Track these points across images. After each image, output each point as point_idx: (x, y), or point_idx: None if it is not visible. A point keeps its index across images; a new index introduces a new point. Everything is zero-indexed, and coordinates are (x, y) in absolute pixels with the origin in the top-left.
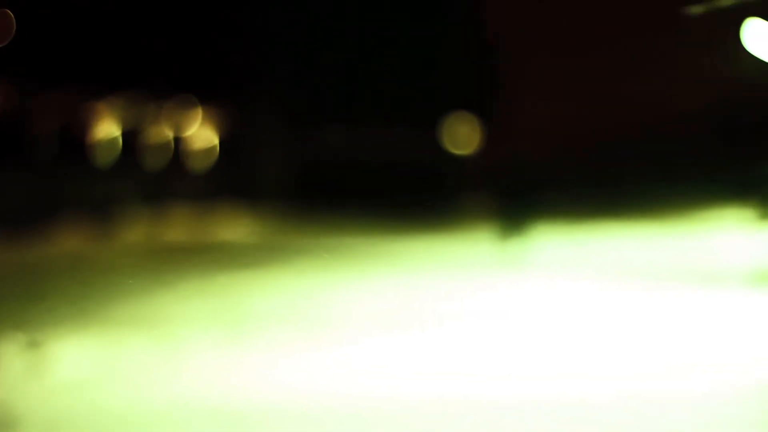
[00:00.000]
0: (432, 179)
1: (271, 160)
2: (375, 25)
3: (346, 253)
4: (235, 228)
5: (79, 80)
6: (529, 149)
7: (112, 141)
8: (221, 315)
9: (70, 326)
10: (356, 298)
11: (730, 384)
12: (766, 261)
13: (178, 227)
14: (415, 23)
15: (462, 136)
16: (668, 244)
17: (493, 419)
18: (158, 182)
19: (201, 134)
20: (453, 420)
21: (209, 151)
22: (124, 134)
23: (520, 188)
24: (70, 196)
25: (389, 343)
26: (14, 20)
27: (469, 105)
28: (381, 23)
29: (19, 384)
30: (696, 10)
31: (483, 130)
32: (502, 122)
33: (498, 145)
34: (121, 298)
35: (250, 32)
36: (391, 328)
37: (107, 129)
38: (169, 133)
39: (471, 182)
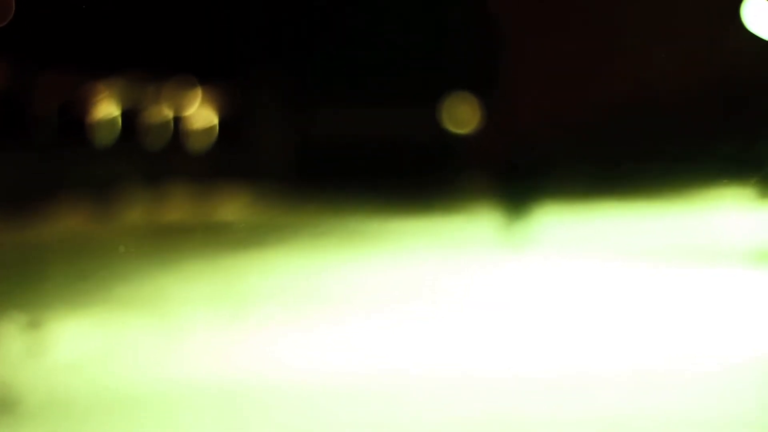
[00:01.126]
0: (433, 158)
1: (271, 140)
2: (375, 3)
3: (347, 233)
4: (234, 208)
5: (79, 60)
6: (530, 128)
7: (112, 121)
8: (221, 295)
9: (70, 306)
10: (356, 277)
11: (732, 361)
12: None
13: (177, 207)
14: (414, 2)
15: (463, 116)
16: (670, 222)
17: (493, 396)
18: (158, 162)
19: (200, 114)
20: (451, 397)
21: (209, 131)
22: (124, 114)
23: (521, 167)
24: (70, 177)
25: (389, 322)
26: (14, 0)
27: (469, 84)
28: (381, 1)
29: (19, 364)
30: None
31: (483, 109)
32: (502, 101)
33: (498, 124)
34: (121, 279)
35: (249, 12)
36: (391, 307)
37: (107, 109)
38: (168, 113)
39: (472, 161)
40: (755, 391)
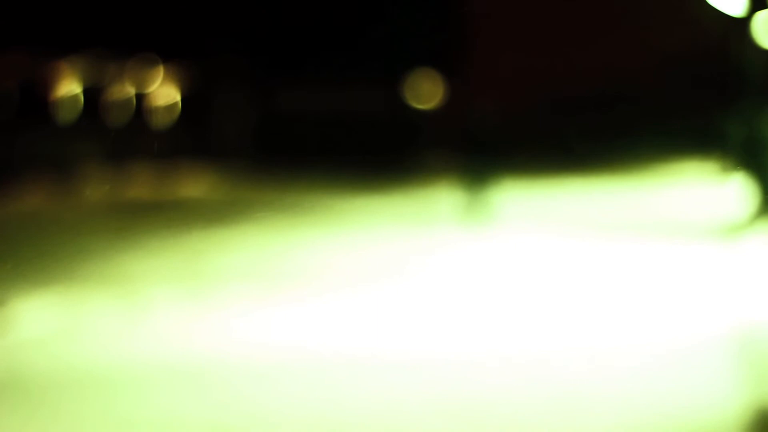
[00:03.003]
0: (395, 135)
1: (233, 117)
2: None
3: (309, 211)
4: (197, 185)
5: (40, 38)
6: (492, 104)
7: (74, 98)
8: (184, 272)
9: (34, 284)
10: (320, 255)
11: (697, 337)
12: (734, 213)
13: (140, 185)
14: None
15: (425, 92)
16: (635, 198)
17: (460, 374)
18: (120, 140)
19: (163, 91)
20: (417, 375)
21: (171, 108)
22: (86, 92)
23: (483, 143)
24: (32, 155)
25: (353, 300)
26: None
27: (431, 60)
28: None
29: None
30: None
31: (445, 85)
32: (464, 77)
33: (460, 101)
34: (85, 257)
35: None
36: (355, 285)
37: (68, 87)
38: (130, 91)
39: (434, 137)
40: (722, 367)
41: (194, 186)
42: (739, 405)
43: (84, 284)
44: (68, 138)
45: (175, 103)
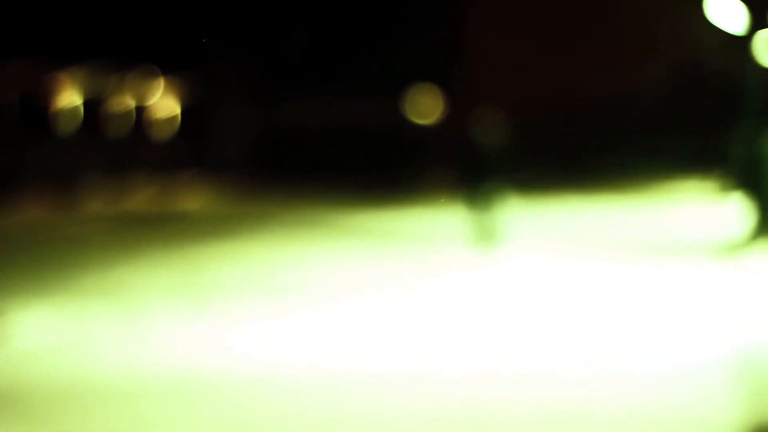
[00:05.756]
0: (395, 149)
1: (234, 130)
2: None
3: (309, 225)
4: (197, 198)
5: (42, 50)
6: (496, 120)
7: (74, 110)
8: (183, 285)
9: (32, 296)
10: (319, 269)
11: (696, 355)
12: (733, 232)
13: (140, 197)
14: None
15: (425, 107)
16: (635, 216)
17: (456, 389)
18: (120, 151)
19: (163, 104)
20: (411, 390)
21: (171, 120)
22: (86, 103)
23: (487, 161)
24: (32, 166)
25: (351, 314)
26: None
27: (432, 75)
28: None
29: None
30: None
31: (446, 100)
32: (465, 93)
33: (461, 116)
34: (84, 268)
35: (212, 1)
36: (353, 299)
37: (69, 98)
38: (131, 103)
39: (434, 153)
40: (721, 387)
41: (194, 199)
42: (737, 424)
43: (84, 296)
44: (68, 150)
45: (175, 116)
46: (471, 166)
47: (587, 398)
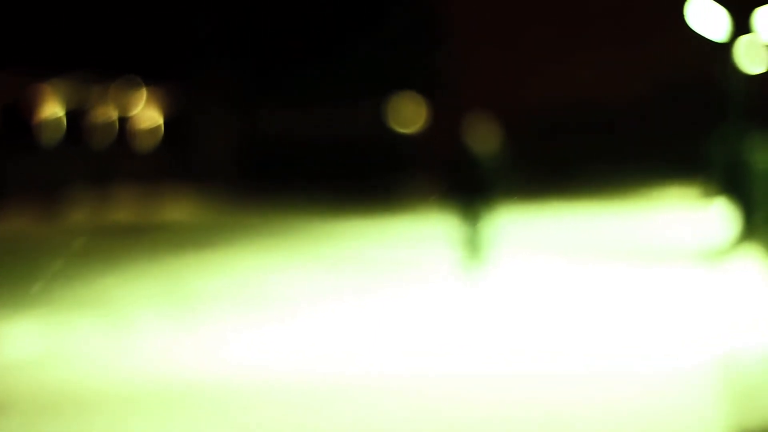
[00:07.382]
0: (378, 158)
1: (216, 140)
2: (320, 2)
3: (292, 233)
4: (180, 208)
5: (25, 61)
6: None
7: (57, 121)
8: (167, 295)
9: (17, 307)
10: (301, 278)
11: (689, 360)
12: (717, 237)
13: (123, 207)
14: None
15: (408, 115)
16: (620, 222)
17: (446, 394)
18: (104, 162)
19: (146, 114)
20: (392, 396)
21: (154, 130)
22: (69, 114)
23: (476, 170)
24: (16, 177)
25: (333, 322)
26: None
27: (415, 83)
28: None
29: None
30: None
31: (429, 108)
32: (448, 101)
33: (445, 125)
34: (68, 279)
35: (193, 12)
36: (336, 308)
37: (52, 109)
38: (113, 114)
39: (417, 161)
40: (706, 391)
41: (177, 209)
42: (723, 427)
43: (68, 306)
44: (51, 161)
45: (158, 126)
46: (463, 177)
47: (574, 401)
